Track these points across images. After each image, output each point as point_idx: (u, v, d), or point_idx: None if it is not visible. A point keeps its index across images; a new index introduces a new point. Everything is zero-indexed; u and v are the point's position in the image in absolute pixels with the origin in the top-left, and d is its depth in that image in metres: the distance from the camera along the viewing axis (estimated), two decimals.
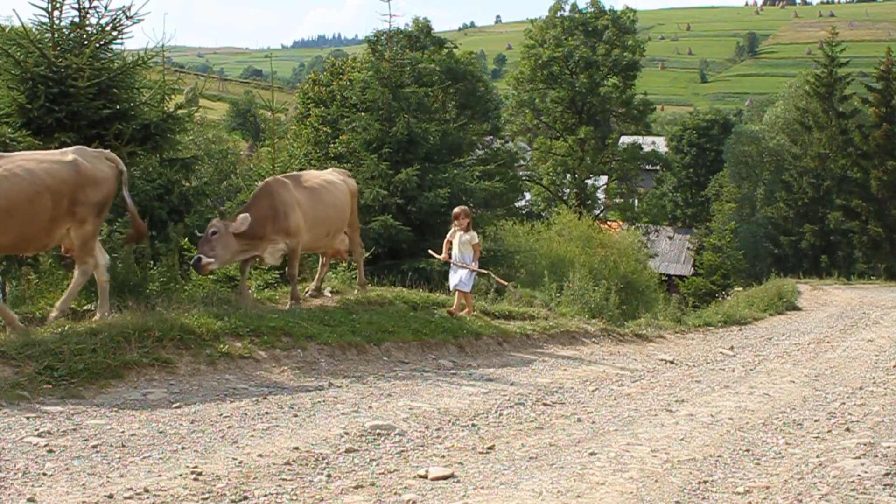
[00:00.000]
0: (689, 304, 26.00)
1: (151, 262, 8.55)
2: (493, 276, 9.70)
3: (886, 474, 4.92)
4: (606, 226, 35.06)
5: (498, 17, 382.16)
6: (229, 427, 5.31)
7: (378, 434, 5.37)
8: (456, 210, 9.89)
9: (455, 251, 9.70)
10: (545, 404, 6.65)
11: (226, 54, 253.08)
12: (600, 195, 39.52)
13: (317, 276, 9.73)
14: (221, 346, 6.93)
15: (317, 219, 8.87)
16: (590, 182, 38.75)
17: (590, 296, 13.45)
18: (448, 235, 9.88)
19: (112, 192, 7.03)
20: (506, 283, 9.75)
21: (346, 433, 5.33)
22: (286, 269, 9.16)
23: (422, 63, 24.89)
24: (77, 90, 8.00)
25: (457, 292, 9.69)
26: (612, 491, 4.57)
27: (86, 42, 8.46)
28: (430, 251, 10.37)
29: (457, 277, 9.58)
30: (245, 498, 4.16)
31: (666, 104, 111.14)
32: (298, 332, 7.59)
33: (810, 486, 4.74)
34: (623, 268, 24.19)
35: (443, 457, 5.05)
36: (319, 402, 6.11)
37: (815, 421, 6.48)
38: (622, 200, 39.30)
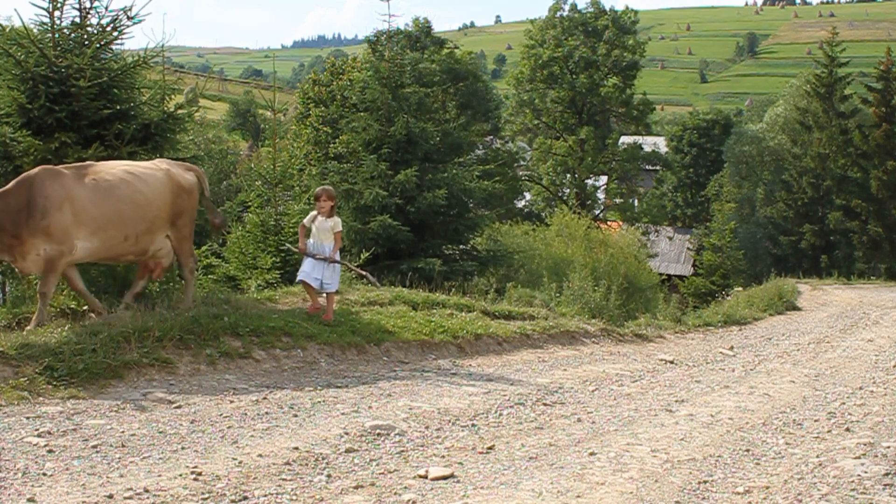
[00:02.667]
0: (689, 304, 25.99)
1: None
2: (352, 267, 8.42)
3: (886, 474, 4.92)
4: (606, 226, 35.04)
5: (498, 17, 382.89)
6: (229, 427, 5.31)
7: (378, 434, 5.37)
8: (317, 190, 8.42)
9: (313, 239, 8.27)
10: (545, 404, 6.65)
11: (226, 54, 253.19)
12: (600, 195, 39.51)
13: (132, 287, 7.91)
14: (221, 345, 6.93)
15: (106, 219, 7.03)
16: (590, 182, 38.73)
17: (590, 296, 13.46)
18: (305, 220, 8.40)
19: None
20: (365, 274, 8.48)
21: (346, 433, 5.33)
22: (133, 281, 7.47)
23: (422, 63, 24.91)
24: (78, 90, 8.00)
25: (308, 285, 8.26)
26: (612, 491, 4.57)
27: (86, 42, 8.47)
28: (287, 243, 8.90)
29: (317, 272, 8.15)
30: (245, 498, 4.16)
31: (666, 104, 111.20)
32: (298, 332, 7.60)
33: (810, 486, 4.74)
34: (623, 268, 24.17)
35: (443, 457, 5.05)
36: (319, 402, 6.11)
37: (815, 421, 6.48)
38: (622, 200, 39.26)
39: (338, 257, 8.29)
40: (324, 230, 8.21)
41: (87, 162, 7.40)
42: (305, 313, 8.21)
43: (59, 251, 6.80)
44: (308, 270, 8.16)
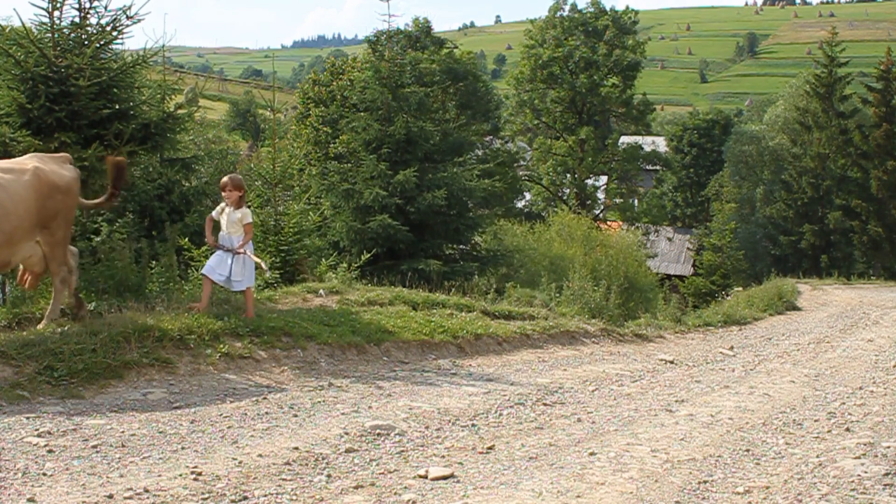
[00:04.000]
0: (689, 304, 26.01)
1: (151, 262, 8.55)
2: (250, 255, 7.65)
3: (886, 474, 4.92)
4: (606, 226, 35.05)
5: (498, 17, 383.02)
6: (229, 427, 5.31)
7: (378, 434, 5.37)
8: (224, 179, 7.72)
9: (222, 231, 7.62)
10: (545, 404, 6.64)
11: (226, 54, 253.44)
12: (600, 195, 39.54)
13: (74, 301, 7.02)
14: (221, 346, 6.93)
15: None
16: (590, 182, 38.77)
17: (590, 296, 13.46)
18: (213, 212, 7.72)
19: None
20: (258, 261, 7.76)
21: (346, 433, 5.33)
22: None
23: (422, 63, 24.92)
24: (77, 90, 8.00)
25: (207, 281, 7.53)
26: (612, 491, 4.56)
27: (86, 42, 8.47)
28: (208, 241, 8.06)
29: (223, 268, 7.46)
30: (245, 498, 4.16)
31: (666, 104, 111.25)
32: (298, 332, 7.59)
33: (810, 486, 4.74)
34: (623, 268, 24.19)
35: (443, 457, 5.05)
36: (319, 402, 6.11)
37: (815, 421, 6.48)
38: (622, 200, 39.32)
39: (250, 250, 7.67)
40: (232, 222, 7.58)
41: None
42: (188, 309, 7.35)
43: None
44: (213, 265, 7.50)
